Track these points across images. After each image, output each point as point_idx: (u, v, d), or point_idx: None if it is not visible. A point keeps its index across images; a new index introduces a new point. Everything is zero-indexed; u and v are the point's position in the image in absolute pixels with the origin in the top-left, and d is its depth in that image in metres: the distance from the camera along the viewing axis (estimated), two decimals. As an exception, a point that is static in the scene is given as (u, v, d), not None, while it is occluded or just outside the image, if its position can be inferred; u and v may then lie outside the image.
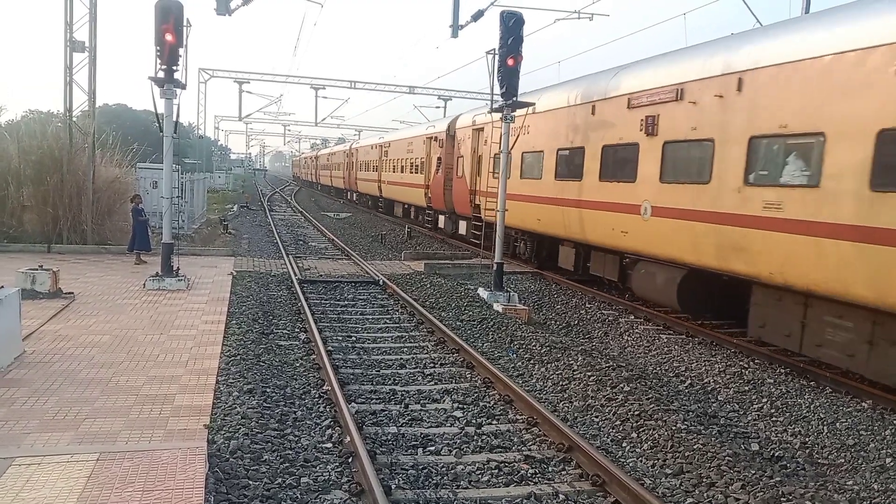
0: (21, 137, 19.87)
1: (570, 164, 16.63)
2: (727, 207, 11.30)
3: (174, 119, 13.82)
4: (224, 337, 10.23)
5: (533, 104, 16.20)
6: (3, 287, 8.60)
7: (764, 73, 10.69)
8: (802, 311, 10.37)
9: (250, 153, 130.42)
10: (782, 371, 10.67)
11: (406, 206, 35.01)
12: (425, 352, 11.02)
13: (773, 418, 8.90)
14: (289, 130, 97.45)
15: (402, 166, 34.47)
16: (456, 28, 22.51)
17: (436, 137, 28.50)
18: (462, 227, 25.27)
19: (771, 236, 10.40)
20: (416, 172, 31.29)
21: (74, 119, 19.11)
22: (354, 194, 52.57)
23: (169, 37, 13.15)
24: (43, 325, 10.17)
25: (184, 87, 13.86)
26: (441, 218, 28.08)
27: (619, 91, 14.61)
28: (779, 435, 8.36)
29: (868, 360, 9.29)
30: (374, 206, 44.73)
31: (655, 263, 13.78)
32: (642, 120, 13.52)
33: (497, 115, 17.52)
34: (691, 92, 12.33)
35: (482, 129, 22.21)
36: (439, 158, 27.51)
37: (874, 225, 8.72)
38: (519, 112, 15.45)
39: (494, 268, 15.28)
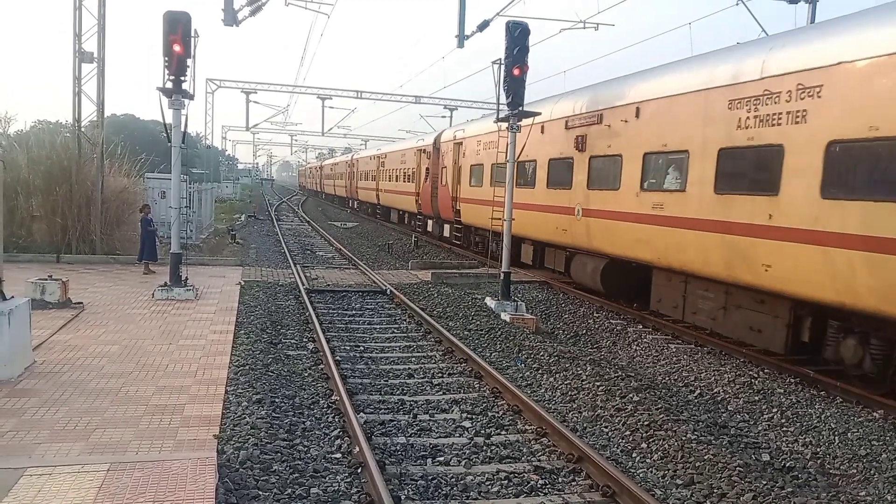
0: (30, 148, 19.98)
1: (525, 175, 19.55)
2: (631, 208, 14.29)
3: (182, 129, 13.90)
4: (233, 347, 10.25)
5: (539, 113, 16.24)
6: (13, 297, 8.63)
7: (652, 104, 13.74)
8: (683, 287, 13.34)
9: (257, 163, 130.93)
10: (792, 381, 10.61)
11: (401, 212, 38.25)
12: (433, 361, 11.01)
13: (784, 428, 8.85)
14: (296, 140, 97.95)
15: (397, 176, 37.52)
16: (462, 38, 22.56)
17: (424, 150, 31.64)
18: (447, 230, 28.43)
19: (657, 230, 13.38)
20: (409, 181, 34.27)
21: (83, 129, 19.23)
22: (355, 202, 55.33)
23: (177, 47, 13.25)
24: (53, 336, 10.21)
25: (192, 97, 13.94)
26: (429, 222, 31.19)
27: (560, 114, 17.59)
28: (790, 445, 8.31)
29: (723, 321, 12.31)
30: (373, 214, 47.53)
31: (587, 255, 16.62)
32: (575, 138, 16.51)
33: (473, 131, 24.49)
34: (607, 117, 15.34)
35: (461, 143, 25.42)
36: (427, 169, 30.60)
37: (719, 219, 11.68)
38: (488, 129, 17.45)
39: (502, 277, 15.28)
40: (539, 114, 16.25)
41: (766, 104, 10.65)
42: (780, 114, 10.38)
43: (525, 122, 15.64)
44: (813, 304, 10.23)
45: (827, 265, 9.53)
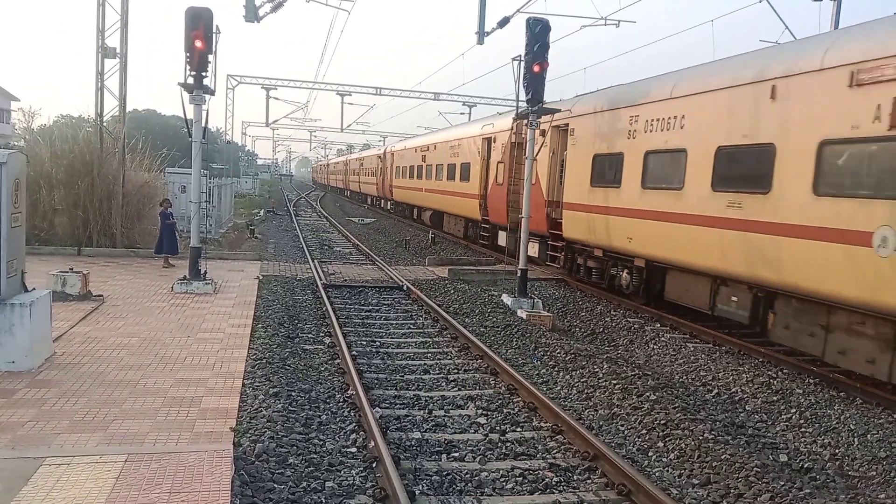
0: (53, 142, 20.23)
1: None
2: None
3: (203, 124, 14.00)
4: (250, 340, 10.31)
5: (558, 110, 16.15)
6: (34, 289, 8.74)
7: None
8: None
9: (276, 159, 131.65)
10: (811, 381, 10.51)
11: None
12: (449, 357, 11.01)
13: (802, 429, 8.76)
14: (315, 136, 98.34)
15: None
16: (482, 35, 22.51)
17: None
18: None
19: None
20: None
21: (105, 124, 19.41)
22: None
23: (198, 43, 13.31)
24: (73, 328, 10.33)
25: (212, 92, 14.02)
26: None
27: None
28: (808, 446, 8.22)
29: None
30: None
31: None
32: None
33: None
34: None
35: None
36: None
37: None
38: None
39: (518, 274, 15.24)
40: (559, 110, 16.07)
41: None
42: None
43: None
44: None
45: None
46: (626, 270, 15.73)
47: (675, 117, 13.56)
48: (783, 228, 10.70)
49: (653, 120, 14.33)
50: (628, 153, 15.11)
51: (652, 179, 14.32)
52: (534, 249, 19.84)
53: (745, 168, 11.81)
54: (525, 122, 15.64)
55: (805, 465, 7.54)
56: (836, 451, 8.05)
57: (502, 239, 22.24)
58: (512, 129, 19.32)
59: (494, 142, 23.69)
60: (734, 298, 12.36)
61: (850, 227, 9.44)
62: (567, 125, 18.17)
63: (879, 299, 9.08)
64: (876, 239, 9.05)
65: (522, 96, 15.06)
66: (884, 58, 9.07)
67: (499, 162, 22.93)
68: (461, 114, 54.59)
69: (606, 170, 16.10)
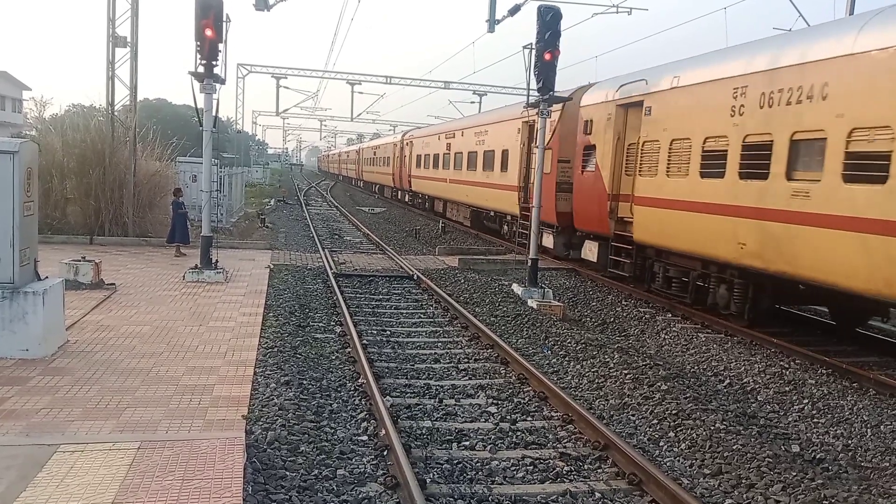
0: (65, 131, 20.32)
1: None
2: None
3: (214, 114, 14.00)
4: (261, 329, 10.34)
5: (570, 99, 16.04)
6: (47, 277, 8.79)
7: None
8: None
9: (287, 148, 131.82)
10: (824, 372, 10.45)
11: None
12: (459, 347, 11.01)
13: (815, 420, 8.71)
14: (325, 126, 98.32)
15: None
16: (492, 23, 22.43)
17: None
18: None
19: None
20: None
21: (116, 113, 19.46)
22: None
23: (209, 32, 13.29)
24: (85, 316, 10.39)
25: (223, 82, 14.01)
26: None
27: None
28: (820, 437, 8.18)
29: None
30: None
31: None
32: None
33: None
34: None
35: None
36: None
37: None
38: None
39: (529, 264, 15.21)
40: (570, 98, 15.89)
41: None
42: None
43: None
44: None
45: None
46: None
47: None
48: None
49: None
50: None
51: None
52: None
53: None
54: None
55: (817, 456, 7.51)
56: (849, 441, 8.00)
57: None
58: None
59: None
60: None
61: None
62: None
63: None
64: None
65: (533, 84, 14.97)
66: None
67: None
68: (471, 102, 54.47)
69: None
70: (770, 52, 11.87)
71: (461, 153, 29.44)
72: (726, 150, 12.50)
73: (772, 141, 11.37)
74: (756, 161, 11.72)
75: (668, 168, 14.31)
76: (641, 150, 15.38)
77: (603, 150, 16.75)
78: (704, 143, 13.15)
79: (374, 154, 59.13)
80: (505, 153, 23.54)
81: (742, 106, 12.13)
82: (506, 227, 24.44)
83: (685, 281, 14.26)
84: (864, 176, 9.66)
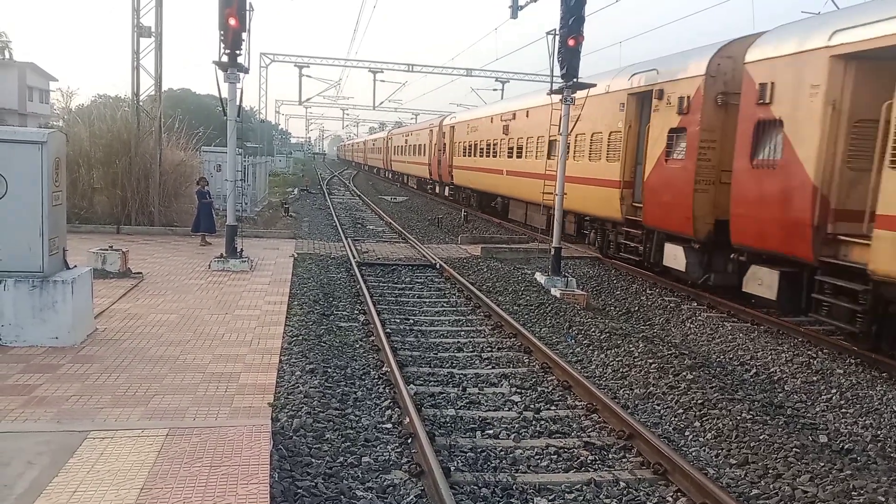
0: (91, 122, 20.51)
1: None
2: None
3: (237, 103, 14.07)
4: (286, 317, 10.41)
5: (594, 85, 15.85)
6: (75, 266, 8.91)
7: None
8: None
9: (310, 137, 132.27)
10: (852, 361, 10.31)
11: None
12: (482, 336, 11.01)
13: (843, 410, 8.61)
14: (347, 114, 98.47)
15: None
16: (516, 9, 22.32)
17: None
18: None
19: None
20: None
21: (141, 103, 19.62)
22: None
23: (232, 21, 13.33)
24: (113, 304, 10.52)
25: (247, 71, 14.05)
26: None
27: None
28: (849, 427, 8.08)
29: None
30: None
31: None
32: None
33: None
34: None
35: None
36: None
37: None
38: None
39: (552, 252, 15.15)
40: (595, 84, 15.70)
41: None
42: None
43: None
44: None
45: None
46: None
47: None
48: None
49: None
50: None
51: None
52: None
53: None
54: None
55: (846, 447, 7.42)
56: (878, 432, 7.90)
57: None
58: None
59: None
60: None
61: None
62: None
63: None
64: None
65: (557, 71, 14.85)
66: None
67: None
68: (494, 90, 54.12)
69: None
70: None
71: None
72: None
73: None
74: None
75: None
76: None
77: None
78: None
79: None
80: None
81: None
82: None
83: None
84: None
